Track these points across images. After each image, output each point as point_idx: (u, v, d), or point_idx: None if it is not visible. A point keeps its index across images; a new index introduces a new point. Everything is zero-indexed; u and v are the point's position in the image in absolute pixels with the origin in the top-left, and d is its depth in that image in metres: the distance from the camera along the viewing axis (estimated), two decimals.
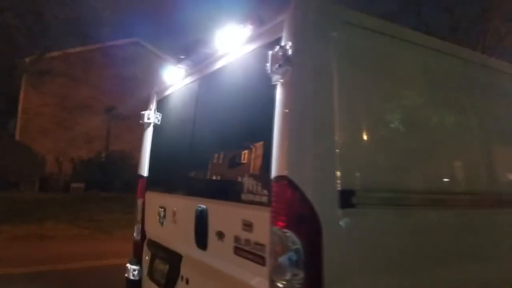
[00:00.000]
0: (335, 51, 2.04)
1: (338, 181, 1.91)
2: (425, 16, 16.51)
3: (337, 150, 1.94)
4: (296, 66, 1.90)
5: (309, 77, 1.95)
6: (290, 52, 1.90)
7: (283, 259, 1.84)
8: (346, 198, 1.91)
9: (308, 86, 1.94)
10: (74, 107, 18.88)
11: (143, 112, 3.84)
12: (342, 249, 1.90)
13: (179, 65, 3.24)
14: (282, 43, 1.95)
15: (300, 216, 1.83)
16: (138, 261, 3.65)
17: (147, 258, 3.57)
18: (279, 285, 1.83)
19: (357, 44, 2.18)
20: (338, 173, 1.92)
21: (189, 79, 3.16)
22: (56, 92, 18.43)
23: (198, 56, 2.97)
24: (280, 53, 1.91)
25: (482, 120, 2.74)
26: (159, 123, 3.75)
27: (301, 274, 1.80)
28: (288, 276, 1.81)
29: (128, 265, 3.65)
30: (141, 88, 19.90)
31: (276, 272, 1.86)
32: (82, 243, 8.67)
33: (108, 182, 16.76)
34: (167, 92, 3.60)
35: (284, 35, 1.99)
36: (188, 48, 3.03)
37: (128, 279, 3.60)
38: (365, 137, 2.12)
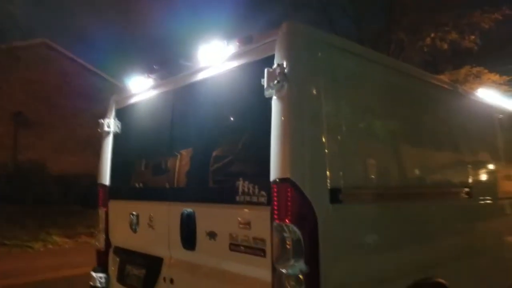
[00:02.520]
0: (321, 68, 2.38)
1: (328, 181, 2.25)
2: (336, 24, 17.88)
3: (327, 154, 2.28)
4: (291, 82, 2.20)
5: (303, 92, 2.27)
6: (286, 70, 2.19)
7: (285, 249, 2.13)
8: (335, 195, 2.26)
9: (302, 99, 2.26)
10: None
11: (102, 120, 3.84)
12: (333, 236, 2.25)
13: (150, 75, 3.35)
14: (278, 62, 2.23)
15: (301, 211, 2.14)
16: (103, 269, 3.66)
17: (114, 265, 3.60)
18: (283, 271, 2.11)
19: (337, 62, 2.54)
20: (328, 174, 2.26)
21: (162, 89, 3.28)
22: None
23: (174, 68, 3.13)
24: (278, 71, 2.19)
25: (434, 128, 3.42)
26: (119, 131, 3.78)
27: (302, 260, 2.11)
28: (291, 262, 2.11)
29: (92, 273, 3.64)
30: (51, 92, 18.60)
31: (279, 261, 2.14)
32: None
33: (17, 194, 15.36)
34: (132, 101, 3.65)
35: (277, 54, 2.28)
36: (164, 60, 3.17)
37: (94, 287, 3.59)
38: (346, 142, 2.48)
